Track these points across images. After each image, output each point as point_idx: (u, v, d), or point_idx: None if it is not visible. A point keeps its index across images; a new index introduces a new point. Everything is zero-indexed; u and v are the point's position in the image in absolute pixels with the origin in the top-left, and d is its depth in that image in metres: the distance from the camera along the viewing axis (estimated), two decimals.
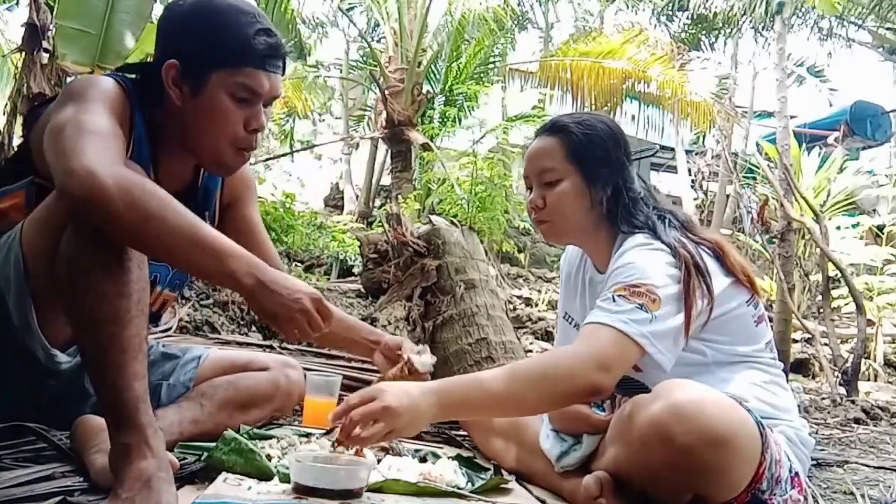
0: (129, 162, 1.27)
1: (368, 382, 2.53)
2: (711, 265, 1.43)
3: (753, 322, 1.46)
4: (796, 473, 1.32)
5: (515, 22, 12.28)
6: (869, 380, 4.71)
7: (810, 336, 5.02)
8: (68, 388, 1.46)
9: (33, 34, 3.63)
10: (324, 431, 1.67)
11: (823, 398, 3.64)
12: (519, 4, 13.41)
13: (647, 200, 1.54)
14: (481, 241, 2.66)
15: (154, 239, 1.16)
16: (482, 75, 9.42)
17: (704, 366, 1.40)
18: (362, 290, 5.16)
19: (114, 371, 1.14)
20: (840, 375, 3.97)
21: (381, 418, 1.23)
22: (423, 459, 1.55)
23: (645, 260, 1.39)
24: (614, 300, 1.34)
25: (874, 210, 9.19)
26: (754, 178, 7.78)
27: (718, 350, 1.42)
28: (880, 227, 7.31)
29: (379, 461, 1.48)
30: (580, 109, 10.24)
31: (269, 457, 1.37)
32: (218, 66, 1.37)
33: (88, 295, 1.16)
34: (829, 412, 3.30)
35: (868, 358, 4.82)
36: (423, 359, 1.64)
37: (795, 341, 5.14)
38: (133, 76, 1.43)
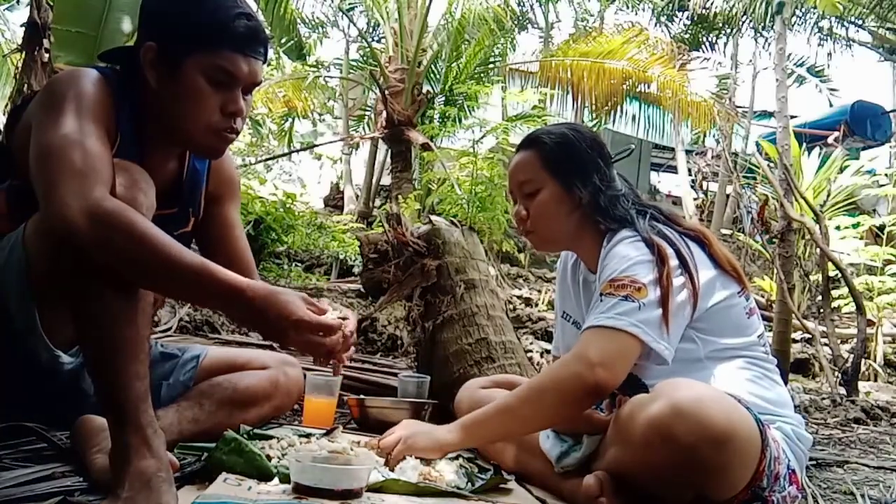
0: (120, 164, 1.25)
1: (368, 382, 2.53)
2: (699, 255, 1.44)
3: (745, 313, 1.47)
4: (793, 470, 1.33)
5: (515, 22, 12.27)
6: (869, 380, 4.71)
7: (810, 336, 5.01)
8: (69, 388, 1.46)
9: (34, 32, 3.60)
10: (324, 431, 1.68)
11: (823, 398, 3.63)
12: (519, 4, 13.42)
13: (629, 197, 1.57)
14: (481, 241, 2.65)
15: (131, 273, 1.16)
16: (482, 75, 9.41)
17: (698, 360, 1.41)
18: (362, 290, 5.16)
19: (114, 371, 1.14)
20: (840, 375, 3.96)
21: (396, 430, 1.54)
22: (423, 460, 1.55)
23: (625, 252, 1.42)
24: (601, 300, 1.38)
25: (874, 210, 9.20)
26: (754, 178, 7.77)
27: (711, 343, 1.42)
28: (880, 227, 7.30)
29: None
30: (580, 110, 10.27)
31: (269, 457, 1.37)
32: (195, 48, 1.34)
33: (89, 295, 1.16)
34: (829, 412, 3.30)
35: (868, 358, 4.81)
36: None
37: (795, 341, 5.13)
38: (118, 63, 1.42)
